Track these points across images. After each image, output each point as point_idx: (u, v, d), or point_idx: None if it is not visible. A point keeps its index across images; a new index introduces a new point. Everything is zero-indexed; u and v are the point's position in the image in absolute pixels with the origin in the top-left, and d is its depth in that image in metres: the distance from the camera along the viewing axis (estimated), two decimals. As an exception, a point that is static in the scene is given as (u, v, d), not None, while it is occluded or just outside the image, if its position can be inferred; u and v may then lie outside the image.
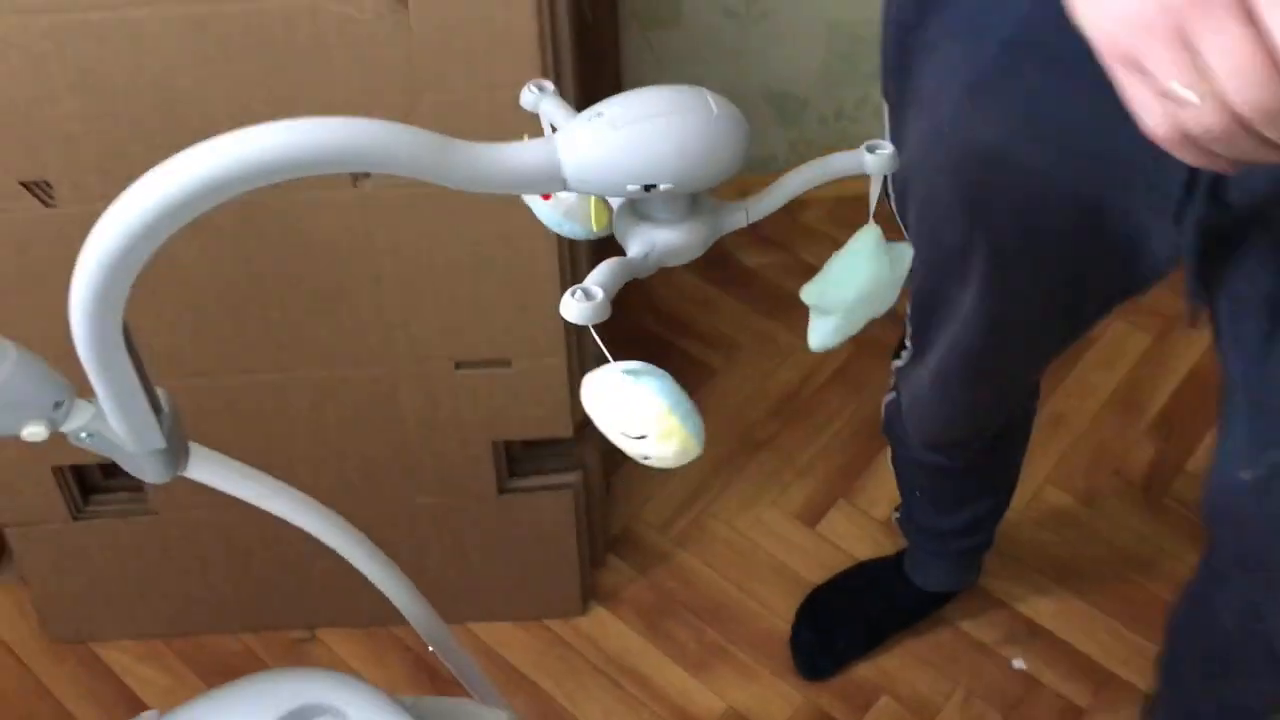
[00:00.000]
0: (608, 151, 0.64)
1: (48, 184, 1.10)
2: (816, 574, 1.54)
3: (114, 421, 0.75)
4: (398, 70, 1.05)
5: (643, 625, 1.50)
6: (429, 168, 0.61)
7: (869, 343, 1.69)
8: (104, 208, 0.56)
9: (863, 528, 1.59)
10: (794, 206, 1.90)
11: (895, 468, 1.39)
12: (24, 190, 1.11)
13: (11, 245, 1.13)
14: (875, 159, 0.73)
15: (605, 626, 1.50)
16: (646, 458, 0.67)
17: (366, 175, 1.14)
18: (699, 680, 1.45)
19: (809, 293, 0.76)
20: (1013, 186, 0.93)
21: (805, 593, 1.51)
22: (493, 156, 0.63)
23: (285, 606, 1.52)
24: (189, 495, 1.36)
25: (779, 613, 1.51)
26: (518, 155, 0.64)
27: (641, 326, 1.82)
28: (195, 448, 0.85)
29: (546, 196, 0.76)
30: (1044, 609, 1.50)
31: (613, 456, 1.64)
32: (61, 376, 0.76)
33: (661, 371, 0.65)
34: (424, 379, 1.29)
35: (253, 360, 1.26)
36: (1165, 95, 0.53)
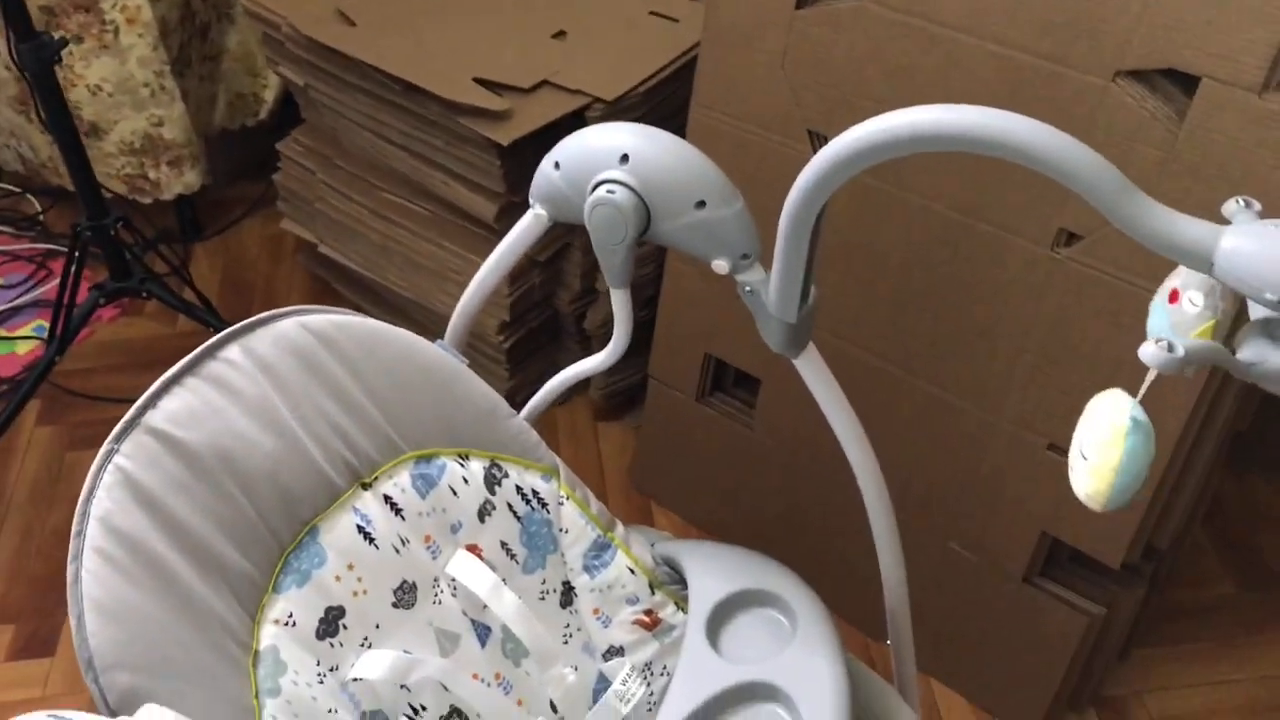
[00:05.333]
0: (1261, 250, 0.70)
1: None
2: None
3: (774, 285, 0.95)
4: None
5: (1082, 782, 1.46)
6: (1102, 197, 0.71)
7: None
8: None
9: None
10: None
11: None
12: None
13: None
14: None
15: (1047, 761, 1.48)
16: (1072, 473, 0.75)
17: (1069, 243, 1.24)
18: None
19: None
20: None
21: None
22: (1159, 213, 0.72)
23: (784, 557, 1.68)
24: (780, 431, 1.58)
25: None
26: (1181, 223, 0.72)
27: (1259, 548, 1.72)
28: (812, 350, 1.03)
29: (1174, 299, 0.81)
30: None
31: (1142, 629, 1.59)
32: (758, 242, 0.98)
33: (1152, 441, 0.72)
34: (1015, 442, 1.37)
35: (892, 350, 1.42)
36: None
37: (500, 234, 1.76)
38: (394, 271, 1.89)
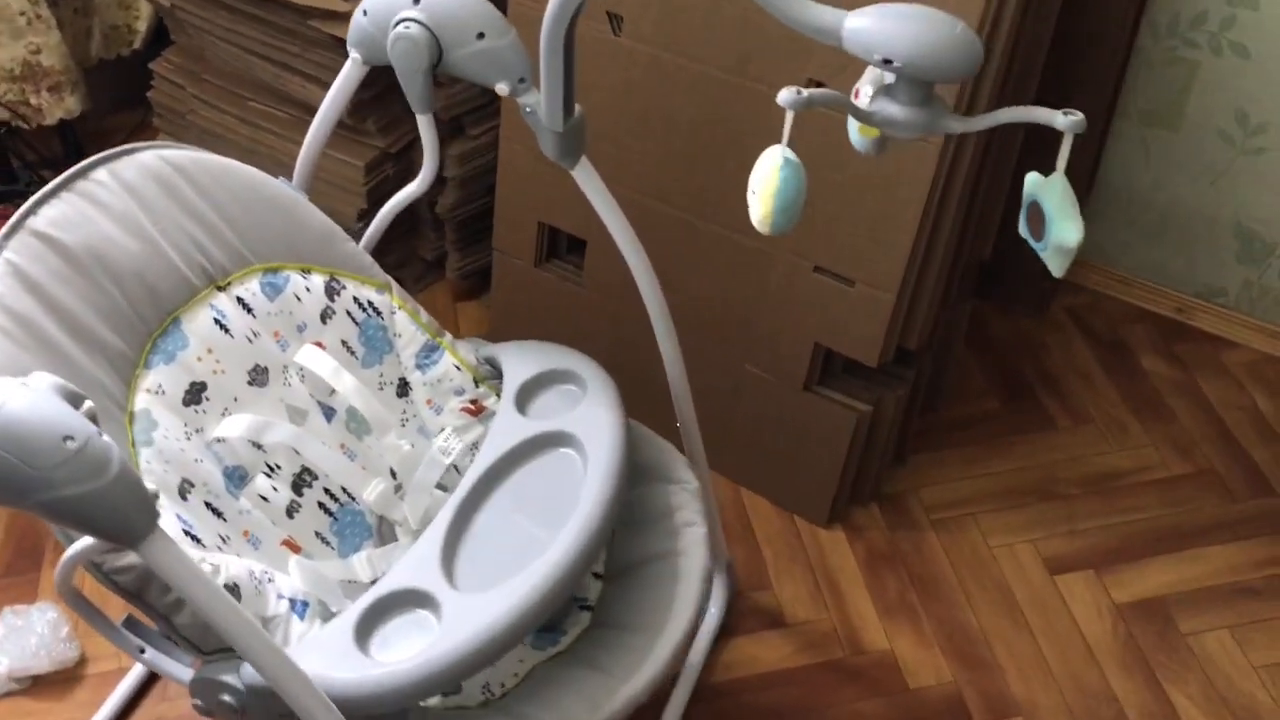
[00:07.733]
0: (870, 25, 0.95)
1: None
2: (1029, 607, 1.67)
3: (543, 99, 1.18)
4: None
5: (864, 559, 1.73)
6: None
7: (1205, 472, 1.76)
8: None
9: (1095, 599, 1.68)
10: (1220, 344, 1.99)
11: None
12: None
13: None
14: (1068, 121, 0.96)
15: (836, 545, 1.75)
16: (750, 211, 1.00)
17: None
18: (880, 620, 1.65)
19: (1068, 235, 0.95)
20: None
21: (1012, 612, 1.65)
22: (806, 6, 0.97)
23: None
24: (603, 285, 1.82)
25: (980, 613, 1.66)
26: (819, 11, 0.97)
27: (1019, 370, 2.01)
28: (585, 162, 1.27)
29: (856, 96, 1.05)
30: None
31: (922, 436, 1.87)
32: (531, 68, 1.21)
33: (801, 175, 0.97)
34: (790, 268, 1.62)
35: (681, 199, 1.67)
36: None
37: (353, 128, 1.98)
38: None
